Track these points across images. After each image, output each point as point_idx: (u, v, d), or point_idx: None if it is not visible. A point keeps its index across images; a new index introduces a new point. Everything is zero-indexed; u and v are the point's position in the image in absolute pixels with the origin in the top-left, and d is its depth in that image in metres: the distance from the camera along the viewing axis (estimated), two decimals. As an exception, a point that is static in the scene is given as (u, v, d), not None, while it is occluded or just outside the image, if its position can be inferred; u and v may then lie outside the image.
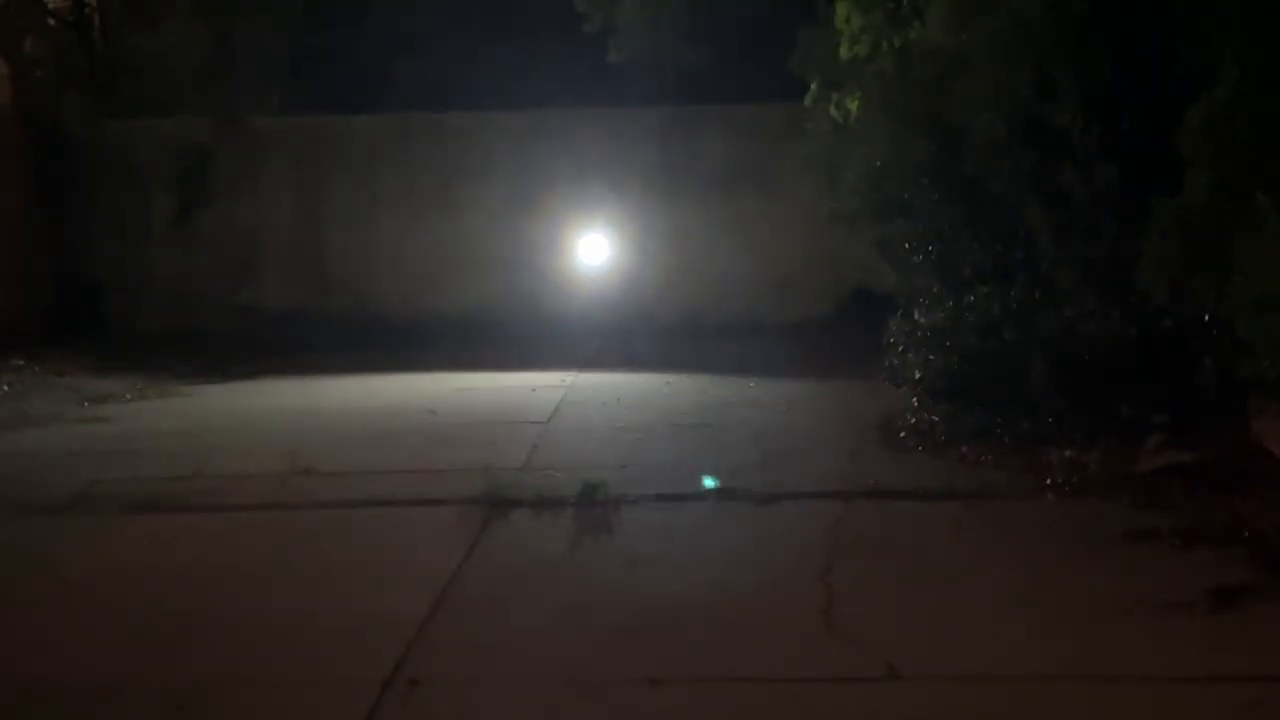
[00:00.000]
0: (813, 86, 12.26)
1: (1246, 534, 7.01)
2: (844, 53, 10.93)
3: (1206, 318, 7.66)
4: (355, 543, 7.63)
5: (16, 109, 17.13)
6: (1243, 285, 7.19)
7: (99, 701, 5.38)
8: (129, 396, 13.25)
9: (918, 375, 9.93)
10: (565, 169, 17.86)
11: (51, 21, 19.63)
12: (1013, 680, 5.28)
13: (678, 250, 17.68)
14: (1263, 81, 7.30)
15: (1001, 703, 5.10)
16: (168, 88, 19.13)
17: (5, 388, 13.29)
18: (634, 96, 18.21)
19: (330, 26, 20.51)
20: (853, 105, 11.24)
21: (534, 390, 12.86)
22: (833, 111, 11.54)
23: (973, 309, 9.70)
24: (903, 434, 9.77)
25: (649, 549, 7.42)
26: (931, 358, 9.79)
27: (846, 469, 8.90)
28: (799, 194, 16.20)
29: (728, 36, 17.17)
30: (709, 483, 8.37)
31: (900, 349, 10.23)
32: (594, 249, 17.89)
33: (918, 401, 10.01)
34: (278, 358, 15.57)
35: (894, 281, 11.49)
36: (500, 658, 5.71)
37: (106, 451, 10.32)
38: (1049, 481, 8.33)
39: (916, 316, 10.16)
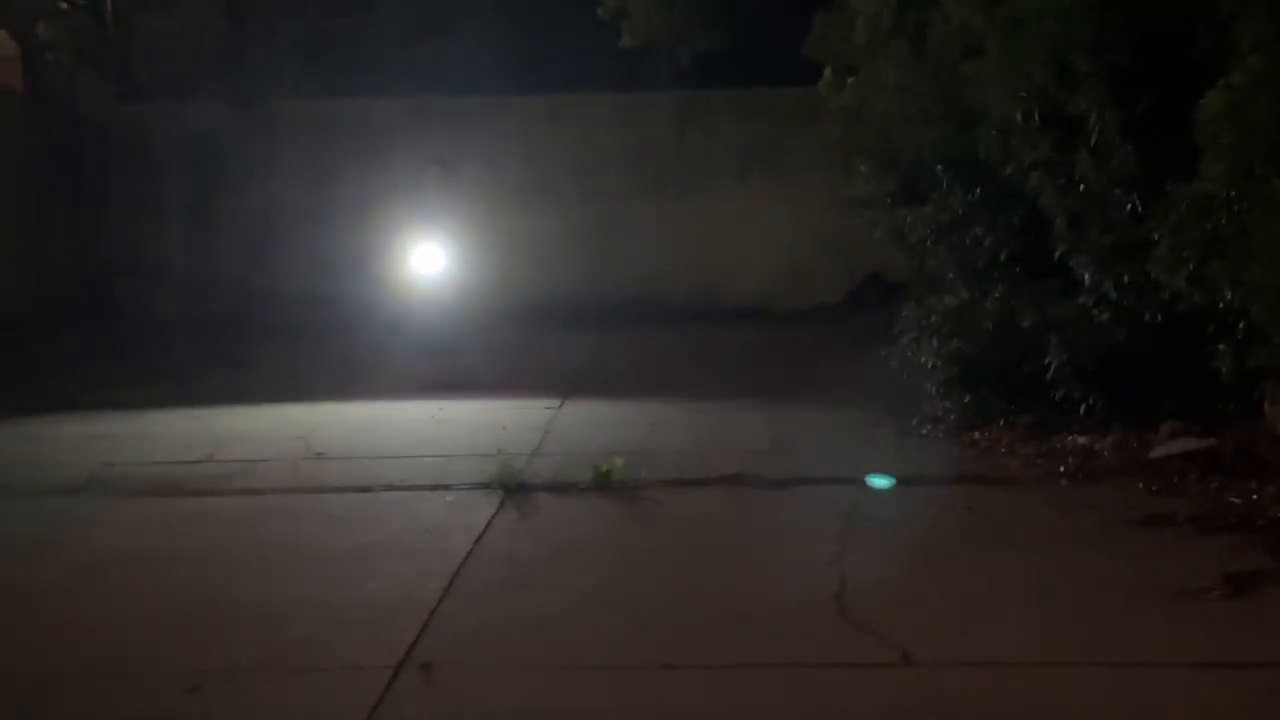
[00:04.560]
0: (827, 71, 12.21)
1: (1261, 521, 6.99)
2: (859, 37, 10.88)
3: (1222, 304, 7.63)
4: (367, 526, 7.63)
5: (30, 93, 17.13)
6: (1259, 272, 7.16)
7: (111, 683, 5.39)
8: (141, 380, 13.25)
9: (931, 361, 9.91)
10: (579, 154, 17.84)
11: (65, 4, 19.65)
12: (1027, 666, 5.27)
13: (691, 234, 17.66)
14: (1281, 67, 7.26)
15: (1015, 689, 5.08)
16: (182, 71, 19.16)
17: (17, 372, 13.30)
18: (648, 82, 18.20)
19: (345, 10, 20.50)
20: (867, 90, 11.18)
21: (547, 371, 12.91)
22: (847, 96, 11.48)
23: (987, 295, 9.68)
24: (915, 419, 9.75)
25: (659, 533, 7.43)
26: (945, 344, 9.76)
27: (859, 454, 8.87)
28: (812, 179, 16.16)
29: (742, 20, 17.12)
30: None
31: (913, 335, 10.20)
32: (606, 232, 17.86)
33: (931, 387, 9.99)
34: (291, 342, 15.56)
35: (907, 267, 11.46)
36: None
37: (119, 435, 10.34)
38: (1062, 467, 8.33)
39: (930, 302, 10.13)
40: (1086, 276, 8.87)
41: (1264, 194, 7.15)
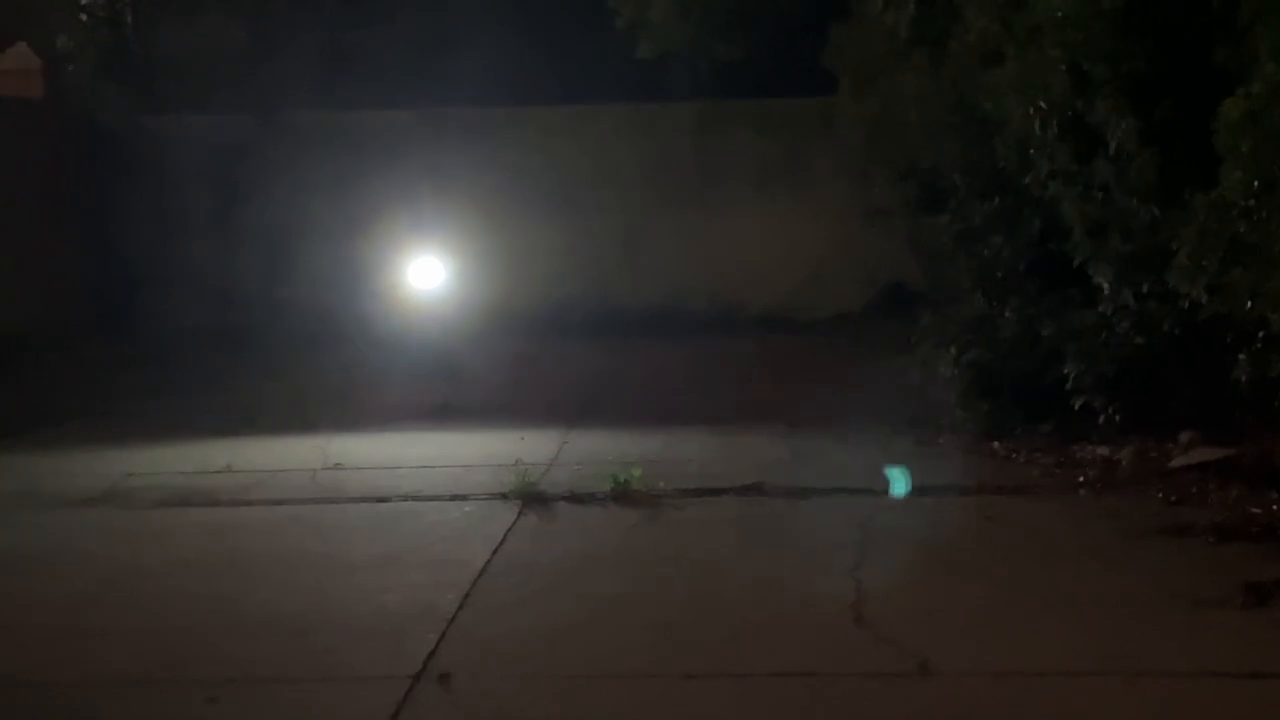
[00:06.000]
0: (845, 81, 12.22)
1: (1281, 531, 6.97)
2: (878, 47, 10.88)
3: (1242, 314, 7.60)
4: (385, 537, 7.65)
5: (52, 104, 17.20)
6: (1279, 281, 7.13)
7: (132, 693, 5.41)
8: (161, 391, 13.27)
9: (950, 370, 9.89)
10: (597, 164, 17.84)
11: (86, 17, 19.74)
12: (1046, 676, 5.26)
13: (709, 244, 17.63)
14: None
15: (1034, 699, 5.07)
16: (202, 83, 19.21)
17: (38, 382, 13.35)
18: (665, 92, 18.21)
19: (364, 22, 20.57)
20: (886, 100, 11.19)
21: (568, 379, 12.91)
22: (866, 106, 11.49)
23: (1006, 304, 9.66)
24: (934, 429, 9.73)
25: (678, 543, 7.43)
26: (964, 353, 9.75)
27: (877, 464, 8.85)
28: (831, 189, 16.16)
29: (761, 31, 17.13)
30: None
31: (932, 344, 10.19)
32: (625, 242, 17.86)
33: (950, 396, 9.97)
34: (311, 352, 15.56)
35: (926, 277, 11.45)
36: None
37: (139, 445, 10.36)
38: (1081, 477, 8.31)
39: (949, 312, 10.12)
40: (1105, 286, 8.85)
41: (1283, 202, 7.12)
